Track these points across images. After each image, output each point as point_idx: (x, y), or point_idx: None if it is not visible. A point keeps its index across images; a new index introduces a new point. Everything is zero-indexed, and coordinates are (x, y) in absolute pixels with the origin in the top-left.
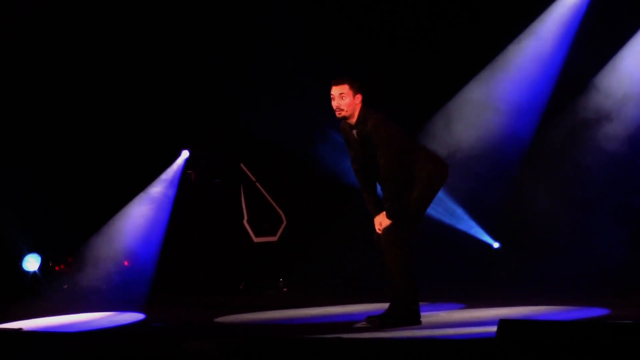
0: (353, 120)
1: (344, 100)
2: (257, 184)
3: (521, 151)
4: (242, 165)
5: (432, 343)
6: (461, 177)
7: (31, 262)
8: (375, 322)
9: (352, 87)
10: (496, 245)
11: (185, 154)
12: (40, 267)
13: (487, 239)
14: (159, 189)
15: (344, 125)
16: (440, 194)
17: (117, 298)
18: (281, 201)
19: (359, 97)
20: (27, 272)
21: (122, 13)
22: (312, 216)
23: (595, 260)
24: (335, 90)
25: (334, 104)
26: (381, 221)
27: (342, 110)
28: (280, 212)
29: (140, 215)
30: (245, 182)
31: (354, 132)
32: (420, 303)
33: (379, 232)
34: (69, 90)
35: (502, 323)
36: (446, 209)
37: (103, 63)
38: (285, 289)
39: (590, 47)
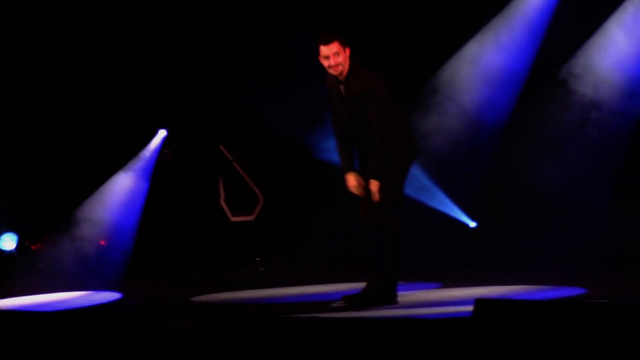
0: (343, 76)
1: (339, 57)
2: (234, 163)
3: (498, 130)
4: (220, 145)
5: (408, 322)
6: (438, 156)
7: (7, 242)
8: (352, 301)
9: (341, 42)
10: (473, 224)
11: (162, 132)
12: (17, 247)
13: (463, 218)
14: (135, 168)
15: (329, 81)
16: (417, 172)
17: (93, 277)
18: (258, 180)
19: (348, 51)
20: (4, 252)
21: None
22: (289, 195)
23: (572, 240)
24: (327, 50)
25: (330, 62)
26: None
27: (340, 66)
28: (257, 192)
29: (117, 194)
30: (222, 161)
31: (342, 87)
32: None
33: (353, 190)
34: (43, 67)
35: (479, 302)
36: (422, 188)
37: (80, 40)
38: (261, 269)
39: (575, 22)
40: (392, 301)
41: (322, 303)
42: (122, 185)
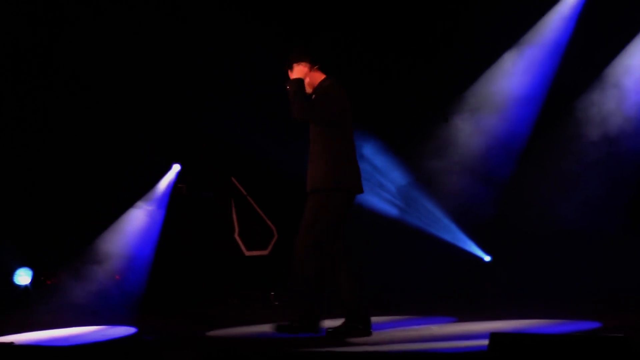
0: (310, 90)
1: (292, 75)
2: (248, 197)
3: (512, 163)
4: (233, 178)
5: (424, 357)
6: (453, 190)
7: (22, 276)
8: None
9: (296, 61)
10: (487, 258)
11: (176, 167)
12: (32, 281)
13: (478, 252)
14: (150, 202)
15: None
16: (432, 207)
17: (109, 311)
18: (273, 214)
19: (304, 66)
20: (19, 286)
21: (113, 26)
22: None
23: (587, 273)
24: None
25: None
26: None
27: None
28: (272, 226)
29: (132, 228)
30: (236, 195)
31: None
32: (412, 317)
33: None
34: (59, 101)
35: (494, 337)
36: (438, 222)
37: (96, 78)
38: (276, 303)
39: (585, 53)
40: (315, 330)
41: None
42: (137, 220)
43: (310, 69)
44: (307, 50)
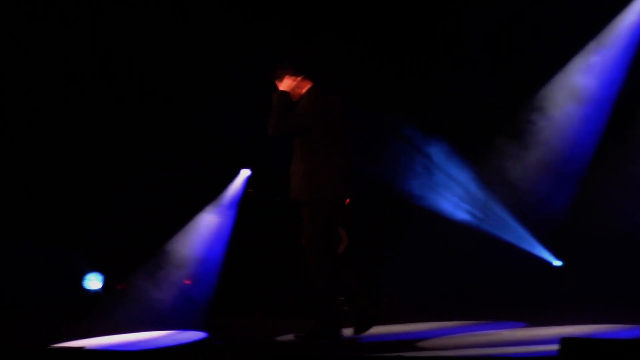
0: (295, 100)
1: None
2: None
3: (586, 166)
4: None
5: None
6: (525, 192)
7: (93, 281)
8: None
9: (281, 73)
10: (558, 263)
11: (245, 172)
12: (103, 286)
13: (548, 256)
14: (220, 207)
15: None
16: (500, 211)
17: (179, 316)
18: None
19: (287, 76)
20: (89, 291)
21: (184, 35)
22: (374, 235)
23: None
24: None
25: None
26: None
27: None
28: (342, 232)
29: (202, 232)
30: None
31: None
32: (482, 321)
33: None
34: (128, 108)
35: (564, 342)
36: (509, 227)
37: (167, 83)
38: (346, 308)
39: None
40: (336, 337)
41: (408, 342)
42: (207, 224)
43: (300, 79)
44: (291, 61)
